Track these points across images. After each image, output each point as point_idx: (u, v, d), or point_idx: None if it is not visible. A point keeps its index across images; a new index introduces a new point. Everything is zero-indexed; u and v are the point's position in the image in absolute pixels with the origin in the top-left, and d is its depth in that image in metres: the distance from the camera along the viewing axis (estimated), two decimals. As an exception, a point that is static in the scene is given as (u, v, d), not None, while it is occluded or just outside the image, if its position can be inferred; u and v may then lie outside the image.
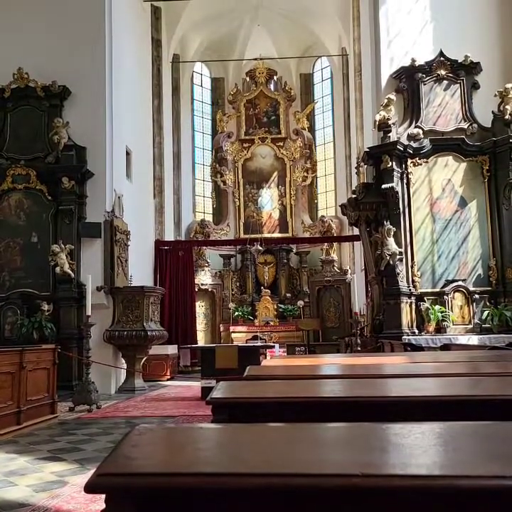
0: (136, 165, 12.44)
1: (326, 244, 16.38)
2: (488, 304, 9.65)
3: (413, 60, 10.20)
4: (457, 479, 0.78)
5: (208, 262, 16.34)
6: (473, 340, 8.61)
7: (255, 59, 17.52)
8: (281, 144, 17.58)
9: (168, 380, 11.88)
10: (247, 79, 18.03)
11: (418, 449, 0.93)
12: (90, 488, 0.82)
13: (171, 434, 1.11)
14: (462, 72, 10.25)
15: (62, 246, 9.51)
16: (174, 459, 0.92)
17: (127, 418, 6.96)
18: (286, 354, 12.07)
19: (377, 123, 9.82)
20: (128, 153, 11.72)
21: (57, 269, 9.44)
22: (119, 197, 10.44)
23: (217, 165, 17.52)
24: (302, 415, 1.62)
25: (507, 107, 9.74)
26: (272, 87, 18.03)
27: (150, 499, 0.84)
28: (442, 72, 10.25)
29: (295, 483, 0.79)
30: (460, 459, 0.89)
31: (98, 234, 9.86)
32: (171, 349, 12.44)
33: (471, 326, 9.56)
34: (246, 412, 1.66)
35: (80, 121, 10.02)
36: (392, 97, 9.94)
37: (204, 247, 16.22)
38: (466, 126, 10.07)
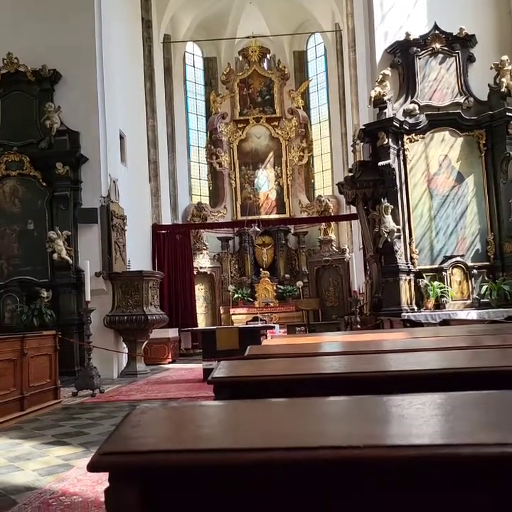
0: (130, 149, 12.34)
1: (323, 223, 16.36)
2: (486, 278, 9.68)
3: (407, 34, 10.08)
4: (459, 447, 0.78)
5: (205, 245, 16.33)
6: (472, 315, 8.65)
7: (248, 37, 17.28)
8: (277, 123, 17.44)
9: (169, 363, 11.96)
10: (240, 58, 17.81)
11: (419, 420, 0.93)
12: (93, 467, 0.82)
13: (172, 412, 1.11)
14: (457, 45, 10.13)
15: (59, 232, 9.48)
16: (176, 436, 0.92)
17: (130, 401, 7.01)
18: (286, 334, 12.13)
19: (372, 99, 9.74)
20: (122, 137, 11.62)
21: (55, 255, 9.43)
22: (114, 181, 10.37)
23: (212, 146, 17.40)
24: (304, 392, 1.63)
25: (503, 79, 9.66)
26: (265, 65, 17.83)
27: (153, 476, 0.84)
28: (437, 45, 10.13)
29: (297, 456, 0.79)
30: (461, 428, 0.89)
31: (94, 219, 9.82)
32: (172, 332, 12.49)
33: (470, 301, 9.61)
34: (248, 391, 1.67)
35: (72, 105, 9.91)
36: (387, 72, 9.83)
37: (201, 230, 16.19)
38: (462, 101, 9.99)
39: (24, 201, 9.89)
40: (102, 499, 3.48)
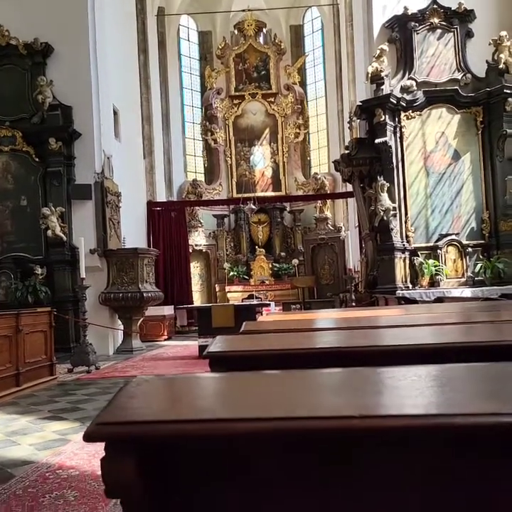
0: (124, 124, 12.19)
1: (319, 201, 16.31)
2: (481, 257, 9.71)
3: (406, 9, 9.92)
4: (453, 417, 0.79)
5: (201, 223, 16.26)
6: (467, 292, 8.70)
7: (243, 11, 16.94)
8: (272, 99, 17.23)
9: (165, 340, 12.02)
10: (236, 32, 17.49)
11: (414, 391, 0.93)
12: (89, 437, 0.82)
13: (168, 384, 1.11)
14: (456, 20, 9.99)
15: (53, 209, 9.42)
16: (172, 407, 0.92)
17: (126, 378, 7.05)
18: (282, 312, 12.18)
19: (369, 75, 9.63)
20: (115, 113, 11.46)
21: (49, 232, 9.38)
22: (108, 157, 10.27)
23: (208, 123, 17.20)
24: (300, 366, 1.63)
25: (501, 55, 9.55)
26: (261, 40, 17.53)
27: (149, 446, 0.85)
28: (435, 20, 9.98)
29: (294, 426, 0.79)
30: (456, 398, 0.89)
31: (88, 196, 9.74)
32: (167, 310, 12.52)
33: (464, 280, 9.66)
34: (243, 366, 1.67)
35: (65, 79, 9.75)
36: (385, 47, 9.70)
37: (197, 208, 16.11)
38: (459, 77, 9.89)
39: (17, 177, 9.79)
40: (99, 472, 3.52)
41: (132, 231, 12.19)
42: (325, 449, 0.84)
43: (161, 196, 15.10)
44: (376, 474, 0.86)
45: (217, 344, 1.78)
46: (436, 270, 9.48)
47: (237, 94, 17.26)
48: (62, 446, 3.96)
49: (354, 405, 0.84)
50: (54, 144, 9.55)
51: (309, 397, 0.94)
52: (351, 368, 1.12)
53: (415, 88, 9.79)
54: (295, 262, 16.33)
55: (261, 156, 17.37)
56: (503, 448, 0.81)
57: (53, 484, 3.16)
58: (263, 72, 17.34)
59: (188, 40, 17.72)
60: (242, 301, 12.81)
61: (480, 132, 9.79)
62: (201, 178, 17.23)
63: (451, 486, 0.85)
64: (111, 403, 0.91)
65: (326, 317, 3.56)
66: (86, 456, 3.64)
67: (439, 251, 9.63)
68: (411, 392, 0.93)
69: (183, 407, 0.90)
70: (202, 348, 8.19)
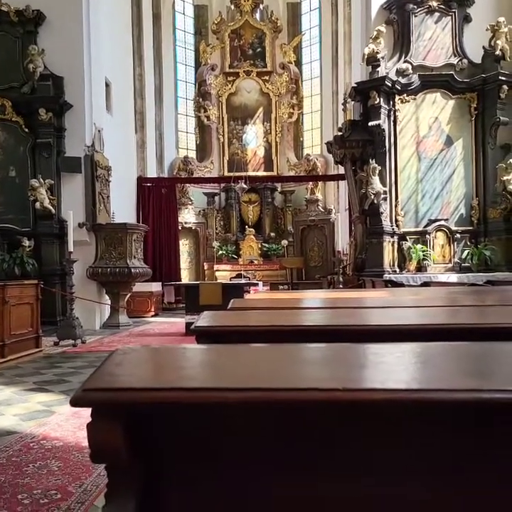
0: (116, 98, 12.01)
1: (310, 183, 16.27)
2: (468, 243, 9.80)
3: (405, -10, 9.80)
4: (435, 392, 0.80)
5: (191, 200, 16.18)
6: (453, 278, 8.78)
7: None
8: (267, 78, 17.04)
9: (152, 316, 12.03)
10: (232, 7, 17.18)
11: (398, 367, 0.95)
12: (75, 402, 0.82)
13: (155, 354, 1.12)
14: (454, 4, 9.91)
15: (42, 181, 9.31)
16: (159, 375, 0.93)
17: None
18: (270, 291, 12.22)
19: (365, 56, 9.55)
20: (107, 85, 11.28)
21: (37, 204, 9.28)
22: (99, 131, 10.13)
23: (201, 99, 16.99)
24: (286, 343, 1.65)
25: (498, 41, 9.51)
26: (257, 16, 17.24)
27: (135, 413, 0.86)
28: (434, 3, 9.89)
29: (279, 397, 0.81)
30: (438, 375, 0.91)
31: (78, 169, 9.63)
32: (155, 286, 12.51)
33: (451, 265, 9.75)
34: (230, 341, 1.68)
35: (56, 49, 9.54)
36: (382, 29, 9.61)
37: (187, 185, 16.00)
38: (455, 62, 9.85)
39: (5, 147, 9.64)
40: (83, 444, 3.54)
41: (122, 206, 12.10)
42: (309, 418, 0.86)
43: (152, 172, 14.97)
44: (358, 447, 0.88)
45: (204, 319, 1.79)
46: (423, 255, 9.55)
47: (231, 71, 17.05)
48: (46, 417, 3.98)
49: (338, 378, 0.86)
50: (44, 115, 9.40)
51: (294, 369, 0.95)
52: (337, 343, 1.14)
53: (411, 71, 9.74)
54: (284, 242, 16.35)
55: (254, 135, 17.24)
56: (480, 423, 0.83)
57: (37, 454, 3.18)
58: (258, 50, 17.11)
59: (184, 14, 17.39)
60: (230, 280, 12.83)
61: (473, 119, 9.79)
62: (193, 155, 17.09)
63: (431, 459, 0.87)
64: (98, 370, 0.91)
65: (313, 297, 3.59)
66: (70, 428, 3.66)
67: (427, 236, 9.69)
68: (395, 368, 0.95)
69: (169, 376, 0.91)
70: (189, 325, 8.19)
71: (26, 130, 9.60)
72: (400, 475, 0.87)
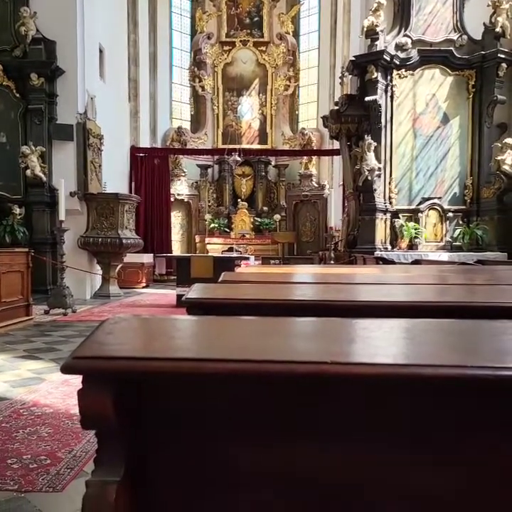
0: (109, 64, 11.76)
1: (305, 157, 16.17)
2: (460, 222, 9.83)
3: (407, -39, 9.59)
4: (422, 368, 0.82)
5: (184, 172, 16.05)
6: (444, 257, 8.84)
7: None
8: (264, 48, 16.76)
9: (143, 287, 12.05)
10: (230, -27, 16.79)
11: (386, 342, 0.97)
12: (66, 369, 0.83)
13: (146, 323, 1.12)
14: (457, -22, 9.72)
15: (33, 148, 9.17)
16: (150, 345, 0.93)
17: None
18: (261, 265, 12.25)
19: (364, 29, 9.39)
20: (101, 51, 11.04)
21: (28, 171, 9.17)
22: (91, 98, 9.96)
23: (196, 69, 16.71)
24: (276, 316, 1.66)
25: (499, 18, 9.37)
26: (255, -16, 16.86)
27: (126, 383, 0.86)
28: (436, -24, 9.69)
29: (269, 369, 0.82)
30: (425, 350, 0.93)
31: (70, 136, 9.49)
32: (147, 258, 12.50)
33: (442, 244, 9.79)
34: (220, 313, 1.69)
35: (49, 12, 9.29)
36: (383, 1, 9.43)
37: (180, 156, 15.85)
38: (455, 38, 9.72)
39: (-4, 112, 9.46)
40: (73, 411, 3.58)
41: (114, 176, 11.98)
42: (298, 391, 0.87)
43: (145, 142, 14.78)
44: (343, 421, 0.90)
45: (195, 291, 1.80)
46: (415, 233, 9.58)
47: (227, 40, 16.73)
48: (37, 384, 4.01)
49: (326, 352, 0.87)
50: (36, 80, 9.21)
51: (284, 342, 0.96)
52: (326, 317, 1.15)
53: (410, 46, 9.60)
54: (277, 217, 16.33)
55: (249, 107, 17.03)
56: (465, 399, 0.85)
57: (27, 420, 3.22)
58: (256, 19, 16.77)
59: (180, -21, 16.96)
60: (222, 254, 12.84)
61: (471, 96, 9.72)
62: (187, 125, 16.88)
63: (416, 433, 0.89)
64: (89, 338, 0.92)
65: (304, 272, 3.60)
66: (60, 395, 3.69)
67: (420, 214, 9.70)
68: (383, 343, 0.96)
69: (159, 346, 0.92)
70: (180, 296, 8.24)
71: (17, 95, 9.41)
72: (382, 449, 0.89)
